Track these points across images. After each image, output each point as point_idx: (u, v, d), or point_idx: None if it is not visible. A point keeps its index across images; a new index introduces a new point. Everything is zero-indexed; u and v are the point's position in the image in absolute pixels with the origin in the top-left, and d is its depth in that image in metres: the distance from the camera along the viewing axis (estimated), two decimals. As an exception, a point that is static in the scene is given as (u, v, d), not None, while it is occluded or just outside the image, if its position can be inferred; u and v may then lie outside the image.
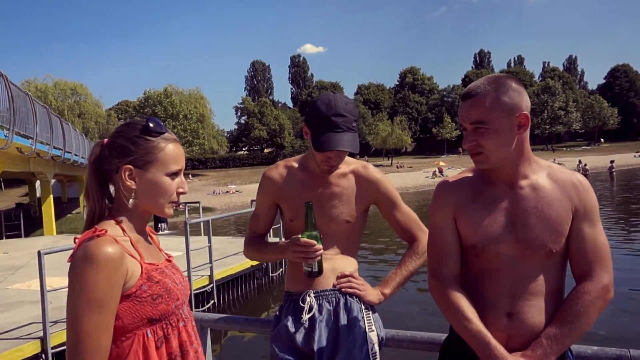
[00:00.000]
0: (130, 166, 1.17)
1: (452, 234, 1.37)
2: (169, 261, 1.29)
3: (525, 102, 1.28)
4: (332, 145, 1.56)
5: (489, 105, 1.26)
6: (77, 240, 1.12)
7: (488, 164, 1.30)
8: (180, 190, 1.23)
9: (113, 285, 1.07)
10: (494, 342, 1.24)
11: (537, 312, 1.28)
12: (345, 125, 1.57)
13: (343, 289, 1.65)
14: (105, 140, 1.23)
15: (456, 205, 1.37)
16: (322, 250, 1.55)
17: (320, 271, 1.58)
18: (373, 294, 1.67)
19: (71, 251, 1.15)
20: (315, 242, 1.54)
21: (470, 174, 1.41)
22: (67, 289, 1.09)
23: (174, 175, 1.21)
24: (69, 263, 1.09)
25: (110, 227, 1.15)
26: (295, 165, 1.76)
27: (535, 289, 1.29)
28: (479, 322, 1.27)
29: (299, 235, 1.57)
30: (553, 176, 1.33)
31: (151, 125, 1.19)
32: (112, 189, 1.24)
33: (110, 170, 1.19)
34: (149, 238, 1.28)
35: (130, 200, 1.18)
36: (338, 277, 1.67)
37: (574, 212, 1.30)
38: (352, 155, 1.76)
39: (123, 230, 1.17)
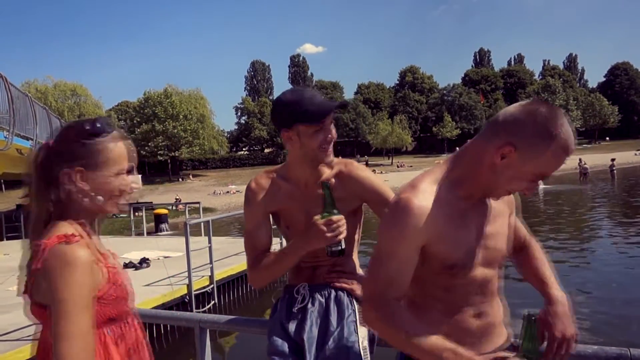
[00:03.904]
0: (80, 168, 1.18)
1: (413, 263, 1.24)
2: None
3: None
4: (326, 106, 1.54)
5: None
6: (41, 243, 1.13)
7: None
8: (134, 185, 1.26)
9: (93, 287, 1.13)
10: (461, 349, 1.17)
11: (495, 309, 1.35)
12: (318, 94, 1.59)
13: (332, 283, 1.67)
14: (51, 141, 1.23)
15: (431, 231, 1.22)
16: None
17: (345, 249, 1.57)
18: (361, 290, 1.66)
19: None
20: (342, 217, 1.53)
21: (431, 187, 1.25)
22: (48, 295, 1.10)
23: (123, 173, 1.23)
24: (40, 267, 1.10)
25: (68, 229, 1.17)
26: (277, 176, 1.70)
27: (494, 290, 1.35)
28: (439, 336, 1.20)
29: (318, 217, 1.52)
30: None
31: (97, 125, 1.21)
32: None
33: (58, 173, 1.19)
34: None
35: (85, 200, 1.20)
36: (329, 272, 1.69)
37: (511, 211, 1.40)
38: (348, 156, 1.74)
39: (83, 233, 1.20)
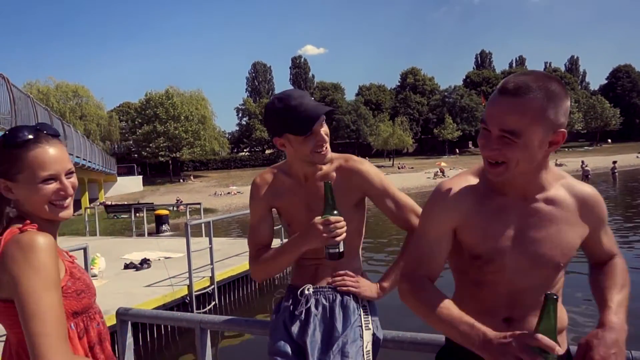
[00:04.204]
0: (2, 179, 1.20)
1: (444, 245, 1.29)
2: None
3: (566, 114, 1.13)
4: (315, 112, 1.53)
5: (531, 117, 1.08)
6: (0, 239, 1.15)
7: (504, 178, 1.18)
8: (62, 193, 1.22)
9: (57, 268, 1.14)
10: (478, 324, 1.13)
11: (534, 312, 1.23)
12: (310, 99, 1.57)
13: (338, 288, 1.65)
14: None
15: (461, 216, 1.26)
16: (346, 227, 1.52)
17: (344, 252, 1.54)
18: (370, 290, 1.67)
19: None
20: (341, 218, 1.51)
21: (473, 178, 1.29)
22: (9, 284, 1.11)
23: (48, 180, 1.20)
24: None
25: (20, 225, 1.19)
26: (279, 172, 1.74)
27: (536, 298, 1.23)
28: (460, 311, 1.18)
29: (319, 218, 1.53)
30: (570, 189, 1.25)
31: (11, 136, 1.20)
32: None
33: None
34: None
35: (11, 210, 1.21)
36: (333, 276, 1.67)
37: (591, 226, 1.26)
38: (345, 151, 1.75)
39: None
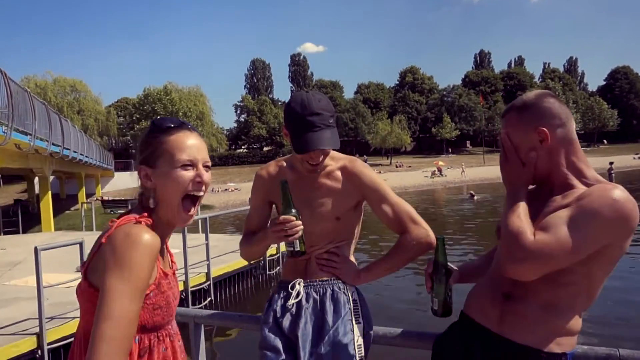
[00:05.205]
0: (143, 166, 1.18)
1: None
2: (173, 273, 1.30)
3: (548, 117, 1.31)
4: (311, 145, 1.56)
5: (513, 122, 1.37)
6: (113, 222, 1.13)
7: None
8: (197, 179, 1.18)
9: (149, 275, 1.09)
10: None
11: (533, 298, 1.30)
12: (322, 123, 1.57)
13: (320, 264, 1.70)
14: None
15: None
16: (301, 227, 1.54)
17: (303, 251, 1.58)
18: (348, 274, 1.70)
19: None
20: (293, 218, 1.53)
21: None
22: (95, 268, 1.09)
23: (186, 166, 1.17)
24: (104, 242, 1.09)
25: (136, 217, 1.15)
26: (285, 165, 1.78)
27: (539, 281, 1.27)
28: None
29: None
30: (593, 189, 1.28)
31: (156, 122, 1.22)
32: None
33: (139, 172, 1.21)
34: (165, 247, 1.30)
35: (150, 200, 1.18)
36: (321, 253, 1.71)
37: None
38: (342, 149, 1.79)
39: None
